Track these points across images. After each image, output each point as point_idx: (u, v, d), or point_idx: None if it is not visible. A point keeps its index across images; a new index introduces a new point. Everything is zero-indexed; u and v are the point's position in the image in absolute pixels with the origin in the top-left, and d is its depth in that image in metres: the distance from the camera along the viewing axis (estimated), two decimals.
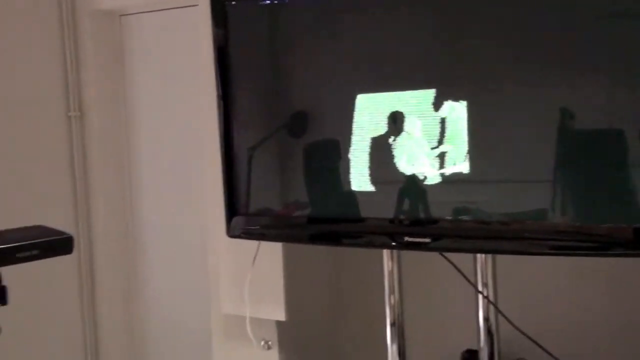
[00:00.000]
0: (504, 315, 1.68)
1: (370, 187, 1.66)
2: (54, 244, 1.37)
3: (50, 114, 2.60)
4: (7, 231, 1.39)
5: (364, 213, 1.69)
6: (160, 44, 2.60)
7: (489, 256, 1.67)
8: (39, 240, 1.34)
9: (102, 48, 2.66)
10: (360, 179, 1.67)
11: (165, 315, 2.66)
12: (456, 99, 1.54)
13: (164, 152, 2.64)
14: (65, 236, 1.39)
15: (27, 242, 1.32)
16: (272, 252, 1.96)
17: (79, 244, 2.55)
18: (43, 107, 2.57)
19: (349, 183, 1.68)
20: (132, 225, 2.73)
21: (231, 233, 1.86)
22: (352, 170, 1.67)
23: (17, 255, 1.29)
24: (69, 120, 2.64)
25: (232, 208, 1.85)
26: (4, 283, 1.34)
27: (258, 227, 1.85)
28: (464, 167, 1.54)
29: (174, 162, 2.61)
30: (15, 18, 2.49)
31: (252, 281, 1.95)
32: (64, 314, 2.63)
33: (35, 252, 1.32)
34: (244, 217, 1.84)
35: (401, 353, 1.82)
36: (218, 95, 1.84)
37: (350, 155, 1.67)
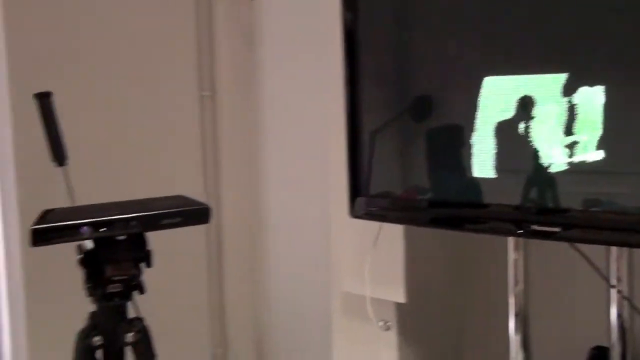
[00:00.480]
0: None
1: (495, 173, 1.61)
2: (194, 213, 1.45)
3: (185, 92, 2.71)
4: (152, 199, 1.50)
5: (487, 199, 1.64)
6: (290, 27, 2.66)
7: (625, 249, 1.59)
8: (181, 208, 1.43)
9: (235, 30, 2.75)
10: (485, 164, 1.62)
11: (288, 289, 2.73)
12: (592, 84, 1.46)
13: (290, 132, 2.70)
14: (203, 206, 1.47)
15: (171, 210, 1.41)
16: (393, 235, 1.96)
17: None
18: (178, 86, 2.69)
19: (472, 168, 1.65)
20: (258, 202, 2.82)
21: (354, 213, 1.88)
22: (476, 155, 1.63)
23: (162, 221, 1.38)
24: (202, 100, 2.75)
25: (355, 189, 1.86)
26: (149, 247, 1.44)
27: (379, 208, 1.85)
28: (598, 156, 1.47)
29: (300, 142, 2.66)
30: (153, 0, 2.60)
31: (373, 262, 1.97)
32: (193, 282, 2.76)
33: (177, 219, 1.41)
34: (366, 198, 1.85)
35: (525, 344, 1.78)
36: (345, 79, 1.86)
37: (475, 140, 1.62)
